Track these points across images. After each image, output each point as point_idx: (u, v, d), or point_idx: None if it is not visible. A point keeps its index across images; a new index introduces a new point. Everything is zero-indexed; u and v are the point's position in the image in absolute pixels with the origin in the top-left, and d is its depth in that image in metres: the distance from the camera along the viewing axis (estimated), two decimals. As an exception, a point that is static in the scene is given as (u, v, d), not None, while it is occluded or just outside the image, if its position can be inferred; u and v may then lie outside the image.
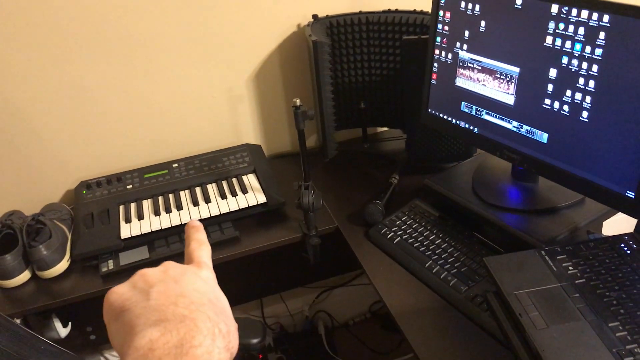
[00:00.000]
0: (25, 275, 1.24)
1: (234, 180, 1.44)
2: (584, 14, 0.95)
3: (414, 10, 1.43)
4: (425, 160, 1.47)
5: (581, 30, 0.96)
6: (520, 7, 1.04)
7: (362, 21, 1.45)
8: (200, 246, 0.56)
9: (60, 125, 1.43)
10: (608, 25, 0.92)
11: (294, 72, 1.59)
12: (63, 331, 1.37)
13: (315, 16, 1.47)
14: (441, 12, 1.21)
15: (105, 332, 0.49)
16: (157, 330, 0.43)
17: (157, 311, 0.45)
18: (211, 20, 1.43)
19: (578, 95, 0.99)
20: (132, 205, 1.38)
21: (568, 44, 0.98)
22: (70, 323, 1.41)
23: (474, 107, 1.20)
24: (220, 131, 1.61)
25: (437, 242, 1.18)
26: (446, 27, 1.21)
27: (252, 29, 1.48)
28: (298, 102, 1.21)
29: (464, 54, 1.18)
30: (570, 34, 0.97)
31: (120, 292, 0.49)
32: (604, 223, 1.14)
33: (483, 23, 1.12)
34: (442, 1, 1.19)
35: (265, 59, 1.54)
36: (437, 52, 1.25)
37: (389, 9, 1.45)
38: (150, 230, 1.30)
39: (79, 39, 1.34)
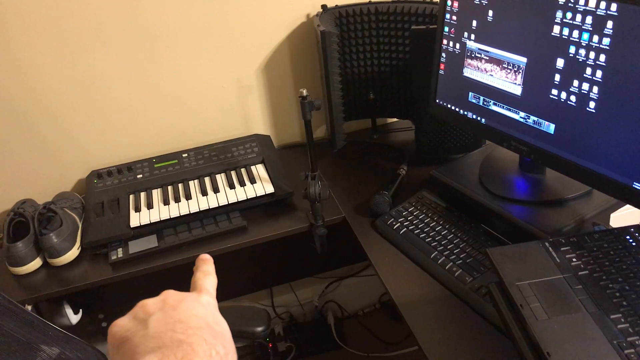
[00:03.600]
0: (36, 263, 1.26)
1: (243, 170, 1.45)
2: (592, 2, 0.93)
3: (423, 0, 1.42)
4: (434, 151, 1.47)
5: (589, 19, 0.94)
6: (527, -4, 1.03)
7: (372, 11, 1.44)
8: (206, 276, 0.58)
9: (74, 115, 1.45)
10: (616, 14, 0.90)
11: (303, 62, 1.59)
12: (74, 318, 1.40)
13: (324, 6, 1.47)
14: (449, 2, 1.20)
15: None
16: (155, 356, 0.44)
17: (155, 338, 0.46)
18: (221, 11, 1.44)
19: (585, 86, 0.98)
20: (142, 195, 1.40)
21: (575, 33, 0.97)
22: (81, 310, 1.43)
23: (482, 98, 1.19)
24: (230, 121, 1.61)
25: (443, 233, 1.18)
26: (454, 17, 1.20)
27: (261, 20, 1.49)
28: (305, 92, 1.21)
29: (471, 44, 1.18)
30: (578, 23, 0.96)
31: (121, 324, 0.51)
32: (612, 215, 1.13)
33: (491, 13, 1.11)
34: (450, -9, 1.19)
35: (275, 50, 1.54)
36: (445, 42, 1.24)
37: (398, -1, 1.44)
38: (159, 220, 1.32)
39: (93, 29, 1.36)
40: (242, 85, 1.57)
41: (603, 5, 0.92)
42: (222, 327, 0.52)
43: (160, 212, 1.33)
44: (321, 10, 1.46)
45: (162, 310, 0.51)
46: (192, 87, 1.52)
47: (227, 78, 1.54)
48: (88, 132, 1.49)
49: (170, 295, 0.53)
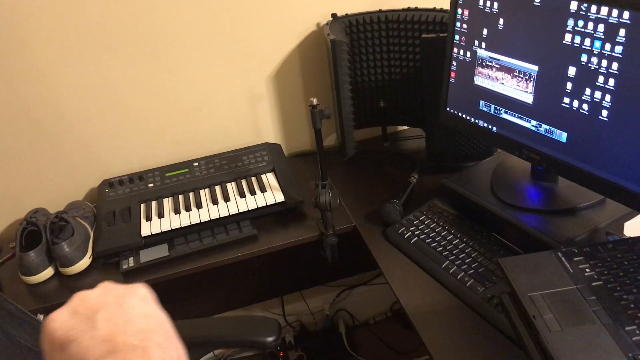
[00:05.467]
0: (48, 272, 1.27)
1: (253, 179, 1.45)
2: (604, 10, 0.93)
3: (434, 8, 1.42)
4: (445, 159, 1.46)
5: (601, 27, 0.94)
6: (539, 3, 1.02)
7: (382, 19, 1.44)
8: None
9: (86, 124, 1.47)
10: (629, 22, 0.90)
11: (314, 70, 1.59)
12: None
13: (334, 15, 1.47)
14: (459, 10, 1.20)
15: None
16: None
17: (107, 342, 0.44)
18: (232, 20, 1.44)
19: (597, 94, 0.97)
20: (153, 204, 1.40)
21: (587, 41, 0.96)
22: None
23: (493, 106, 1.19)
24: (241, 130, 1.62)
25: (454, 242, 1.17)
26: (464, 25, 1.20)
27: (272, 29, 1.49)
28: (315, 101, 1.21)
29: (482, 52, 1.17)
30: (590, 31, 0.95)
31: (61, 320, 0.47)
32: (626, 224, 1.11)
33: (501, 21, 1.11)
34: (461, -1, 1.18)
35: (285, 58, 1.55)
36: (455, 50, 1.24)
37: (409, 7, 1.44)
38: (170, 229, 1.32)
39: (106, 39, 1.37)
40: (253, 94, 1.57)
41: (615, 13, 0.91)
42: (168, 325, 0.50)
43: (172, 221, 1.34)
44: (331, 19, 1.47)
45: (107, 306, 0.48)
46: (204, 96, 1.53)
47: (238, 87, 1.55)
48: (100, 141, 1.50)
49: (110, 289, 0.51)
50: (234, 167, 1.50)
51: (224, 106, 1.56)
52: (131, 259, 1.28)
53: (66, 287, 1.26)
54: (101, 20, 1.35)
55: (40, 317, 1.21)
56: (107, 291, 0.50)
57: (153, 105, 1.50)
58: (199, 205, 1.38)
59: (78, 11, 1.32)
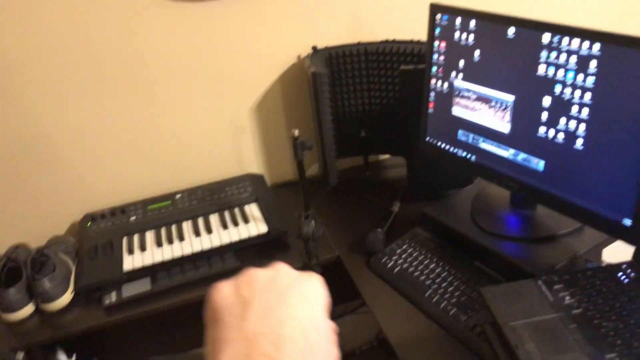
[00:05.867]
0: (29, 309, 1.25)
1: (237, 210, 1.45)
2: (575, 43, 0.96)
3: (411, 40, 1.44)
4: (427, 187, 1.48)
5: (573, 59, 0.97)
6: (512, 37, 1.05)
7: (361, 52, 1.47)
8: None
9: (68, 159, 1.46)
10: (599, 54, 0.93)
11: (296, 101, 1.61)
12: (67, 363, 1.38)
13: (314, 48, 1.49)
14: (436, 43, 1.22)
15: None
16: None
17: (246, 341, 0.43)
18: (214, 53, 1.46)
19: (572, 124, 0.99)
20: (136, 237, 1.39)
21: (561, 72, 0.99)
22: (75, 355, 1.41)
23: (471, 136, 1.21)
24: (224, 161, 1.62)
25: (437, 271, 1.18)
26: (441, 57, 1.22)
27: (253, 61, 1.51)
28: (296, 132, 1.23)
29: (459, 83, 1.20)
30: (563, 63, 0.98)
31: (223, 294, 0.47)
32: (604, 250, 1.13)
33: (477, 53, 1.13)
34: (437, 32, 1.21)
35: (267, 90, 1.56)
36: (433, 81, 1.26)
37: (387, 40, 1.47)
38: (152, 262, 1.31)
39: (88, 72, 1.38)
40: (236, 125, 1.58)
41: (586, 45, 0.94)
42: (321, 335, 0.47)
43: (154, 254, 1.33)
44: (312, 51, 1.49)
45: (266, 295, 0.46)
46: (186, 128, 1.54)
47: (221, 118, 1.56)
48: (82, 175, 1.50)
49: (281, 274, 0.48)
50: (216, 198, 1.50)
51: (206, 138, 1.57)
52: (113, 294, 1.27)
53: (47, 324, 1.24)
54: (85, 56, 1.36)
55: (20, 355, 1.19)
56: (277, 275, 0.48)
57: (135, 138, 1.50)
58: (181, 238, 1.37)
59: (62, 47, 1.33)
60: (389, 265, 1.23)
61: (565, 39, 0.97)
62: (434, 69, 1.25)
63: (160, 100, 1.47)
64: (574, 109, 0.98)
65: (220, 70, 1.49)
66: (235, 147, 1.61)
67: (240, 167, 1.65)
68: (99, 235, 1.40)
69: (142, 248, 1.35)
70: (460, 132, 1.23)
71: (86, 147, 1.47)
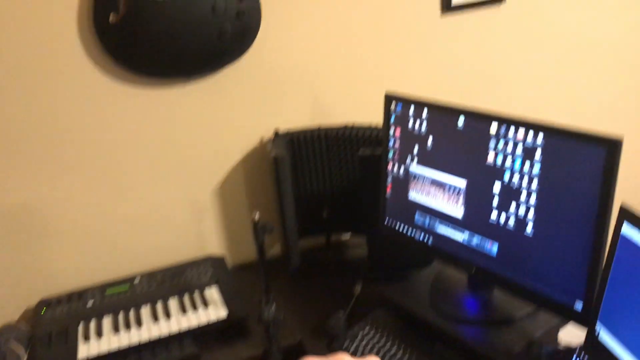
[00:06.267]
0: (-26, 404, 1.19)
1: (196, 293, 1.43)
2: (521, 133, 1.01)
3: (370, 125, 1.50)
4: (388, 267, 1.49)
5: (519, 148, 1.02)
6: (462, 126, 1.10)
7: (322, 136, 1.51)
8: None
9: (21, 243, 1.43)
10: (543, 144, 0.98)
11: (258, 182, 1.63)
12: None
13: (276, 131, 1.53)
14: (392, 129, 1.27)
15: None
16: None
17: None
18: (177, 135, 1.48)
19: (522, 209, 1.03)
20: (92, 323, 1.35)
21: (509, 160, 1.04)
22: None
23: (427, 218, 1.24)
24: (185, 242, 1.62)
25: (398, 355, 1.18)
26: (397, 143, 1.27)
27: (215, 143, 1.54)
28: (257, 216, 1.23)
29: (414, 168, 1.24)
30: (510, 151, 1.03)
31: None
32: (560, 331, 1.14)
33: (430, 140, 1.18)
34: (392, 119, 1.26)
35: (229, 171, 1.58)
36: (390, 165, 1.30)
37: (346, 125, 1.52)
38: (108, 350, 1.27)
39: (41, 155, 1.38)
40: (197, 207, 1.59)
41: (531, 135, 0.99)
42: None
43: (110, 341, 1.29)
44: (274, 135, 1.53)
45: None
46: (147, 210, 1.53)
47: (183, 200, 1.56)
48: (37, 258, 1.47)
49: None
50: (176, 281, 1.48)
51: (167, 219, 1.57)
52: (66, 386, 1.22)
53: (-8, 420, 1.18)
54: (38, 137, 1.36)
55: None
56: None
57: (93, 221, 1.49)
58: (139, 323, 1.34)
59: (13, 128, 1.33)
60: (350, 351, 1.22)
61: (512, 129, 1.02)
62: (391, 154, 1.29)
63: (120, 182, 1.48)
64: (523, 196, 1.03)
65: (183, 153, 1.51)
66: (197, 228, 1.61)
67: (202, 248, 1.64)
68: (54, 321, 1.36)
69: (99, 334, 1.31)
70: (417, 215, 1.26)
71: (41, 229, 1.44)
